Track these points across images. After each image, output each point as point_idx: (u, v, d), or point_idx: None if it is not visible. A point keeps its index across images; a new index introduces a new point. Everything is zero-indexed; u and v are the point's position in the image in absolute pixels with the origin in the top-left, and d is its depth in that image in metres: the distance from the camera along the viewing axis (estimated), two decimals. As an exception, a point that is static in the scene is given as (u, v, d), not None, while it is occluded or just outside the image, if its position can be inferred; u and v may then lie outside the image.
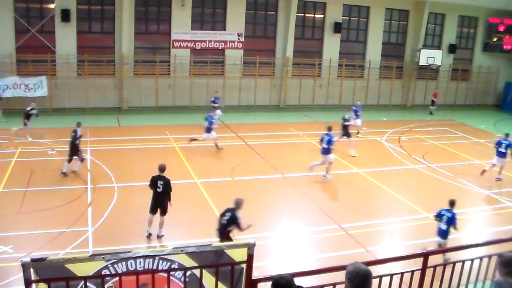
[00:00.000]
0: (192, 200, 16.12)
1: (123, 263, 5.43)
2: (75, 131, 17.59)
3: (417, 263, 6.74)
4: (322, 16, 33.26)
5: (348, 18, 34.08)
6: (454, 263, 6.94)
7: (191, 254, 5.63)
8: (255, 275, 6.04)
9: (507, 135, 20.23)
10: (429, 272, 6.75)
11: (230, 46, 31.05)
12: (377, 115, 31.49)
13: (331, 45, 33.54)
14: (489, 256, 7.31)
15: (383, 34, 35.19)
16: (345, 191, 18.28)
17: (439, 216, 12.37)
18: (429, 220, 15.64)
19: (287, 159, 21.48)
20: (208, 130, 21.15)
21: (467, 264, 7.08)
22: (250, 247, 5.75)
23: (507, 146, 19.74)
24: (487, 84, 38.87)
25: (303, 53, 32.87)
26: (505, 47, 37.49)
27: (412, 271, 6.64)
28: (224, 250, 5.73)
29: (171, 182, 13.16)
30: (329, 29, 33.19)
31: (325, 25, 33.28)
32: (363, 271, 4.81)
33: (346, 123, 22.53)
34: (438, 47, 36.51)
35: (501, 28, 37.18)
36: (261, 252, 11.82)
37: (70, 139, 17.73)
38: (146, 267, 5.53)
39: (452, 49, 36.96)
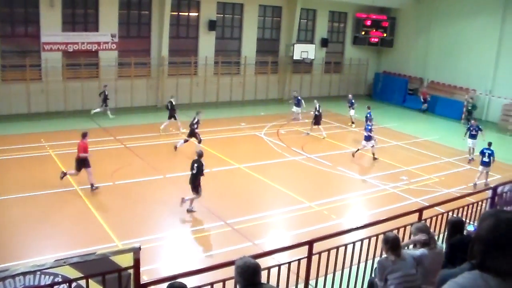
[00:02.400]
0: (73, 209, 15.48)
1: (0, 283, 5.11)
2: (194, 118, 21.54)
3: (303, 251, 6.97)
4: (197, 14, 33.20)
5: (222, 15, 34.30)
6: (337, 248, 7.26)
7: (75, 265, 5.43)
8: (144, 279, 5.96)
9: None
10: (315, 259, 7.00)
11: (104, 47, 30.04)
12: (254, 110, 32.02)
13: (207, 43, 33.59)
14: (369, 238, 7.75)
15: (258, 30, 35.76)
16: (228, 187, 18.40)
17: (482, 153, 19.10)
18: (312, 209, 16.24)
19: (167, 159, 21.29)
20: (368, 138, 21.80)
21: (350, 247, 7.45)
22: (136, 251, 5.67)
23: None
24: (358, 75, 40.94)
25: (179, 51, 32.57)
26: (372, 40, 39.85)
27: (299, 260, 6.87)
28: (109, 257, 5.59)
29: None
30: (204, 27, 33.20)
31: (199, 23, 33.21)
32: (253, 264, 4.92)
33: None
34: (311, 42, 37.81)
35: (368, 23, 39.42)
36: (149, 255, 11.67)
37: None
38: (27, 283, 5.25)
39: (324, 43, 38.45)
